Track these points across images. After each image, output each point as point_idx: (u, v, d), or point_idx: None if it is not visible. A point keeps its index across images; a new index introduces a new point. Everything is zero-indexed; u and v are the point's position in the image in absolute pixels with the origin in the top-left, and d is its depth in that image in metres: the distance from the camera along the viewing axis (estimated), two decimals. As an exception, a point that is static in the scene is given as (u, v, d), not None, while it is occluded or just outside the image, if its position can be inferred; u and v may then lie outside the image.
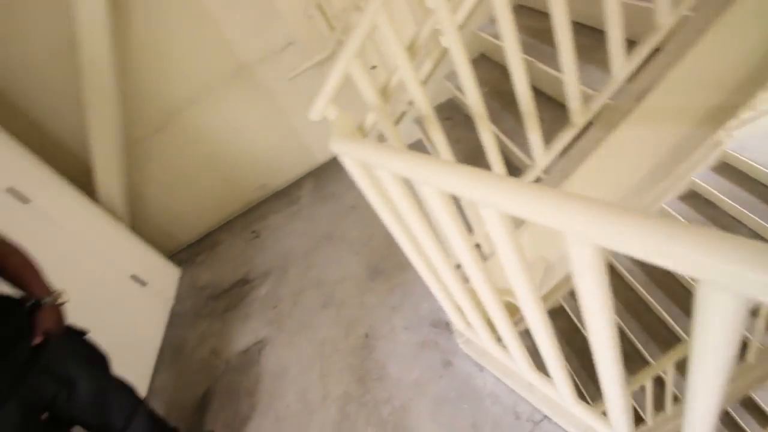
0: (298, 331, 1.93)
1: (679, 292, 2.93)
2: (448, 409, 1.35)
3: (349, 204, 2.49)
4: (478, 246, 1.44)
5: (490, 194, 0.52)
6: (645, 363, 2.75)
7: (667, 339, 2.83)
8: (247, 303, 2.28)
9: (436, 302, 1.65)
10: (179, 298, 2.67)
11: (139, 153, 2.72)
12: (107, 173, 2.61)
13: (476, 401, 1.32)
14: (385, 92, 1.12)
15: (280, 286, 2.25)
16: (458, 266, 1.15)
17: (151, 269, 2.66)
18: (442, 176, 0.58)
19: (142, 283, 2.51)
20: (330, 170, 2.95)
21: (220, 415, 1.79)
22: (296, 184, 3.03)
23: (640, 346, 2.82)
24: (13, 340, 1.13)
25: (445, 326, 1.57)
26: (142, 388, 2.04)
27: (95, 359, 1.38)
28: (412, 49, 1.04)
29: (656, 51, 1.18)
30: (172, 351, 2.30)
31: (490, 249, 1.41)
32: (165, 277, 2.76)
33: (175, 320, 2.51)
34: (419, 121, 2.41)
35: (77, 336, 1.35)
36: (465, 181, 0.55)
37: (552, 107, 1.65)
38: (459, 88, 2.15)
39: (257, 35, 2.45)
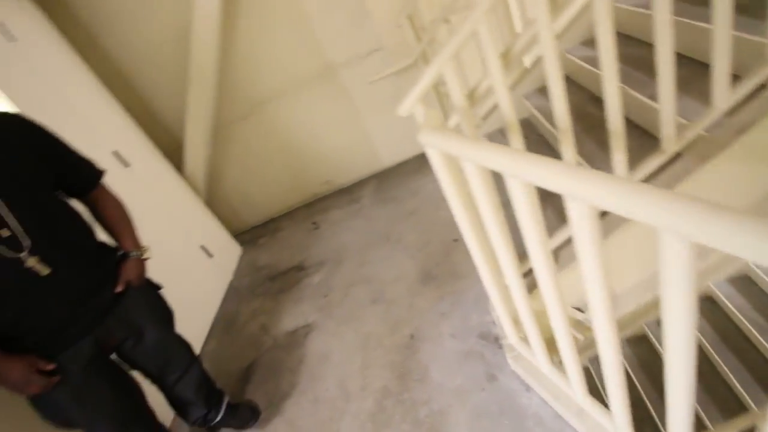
0: (345, 322, 1.99)
1: (754, 358, 2.65)
2: (487, 422, 1.33)
3: (409, 209, 2.54)
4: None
5: (582, 186, 0.54)
6: (702, 427, 2.50)
7: (731, 406, 2.56)
8: (300, 288, 2.38)
9: (487, 315, 1.64)
10: (238, 274, 2.84)
11: (224, 136, 2.96)
12: (195, 151, 2.87)
13: (518, 420, 1.29)
14: (472, 96, 1.16)
15: (333, 277, 2.33)
16: (526, 274, 1.15)
17: (218, 243, 2.86)
18: (534, 168, 0.61)
19: (209, 255, 2.71)
20: (394, 175, 3.02)
21: (262, 388, 1.88)
22: (360, 184, 3.14)
23: (698, 408, 2.57)
24: (101, 283, 1.24)
25: (494, 340, 1.55)
26: (194, 349, 2.19)
27: (164, 314, 1.48)
28: (506, 57, 1.08)
29: (762, 87, 1.12)
30: (225, 321, 2.45)
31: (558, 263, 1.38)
32: (228, 252, 2.95)
33: (232, 294, 2.67)
34: (490, 137, 2.42)
35: (153, 290, 1.45)
36: (557, 173, 0.57)
37: (637, 135, 1.60)
38: (537, 108, 2.14)
39: (347, 39, 2.60)
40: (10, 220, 1.05)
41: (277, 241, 2.99)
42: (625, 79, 1.66)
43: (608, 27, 0.96)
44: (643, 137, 1.61)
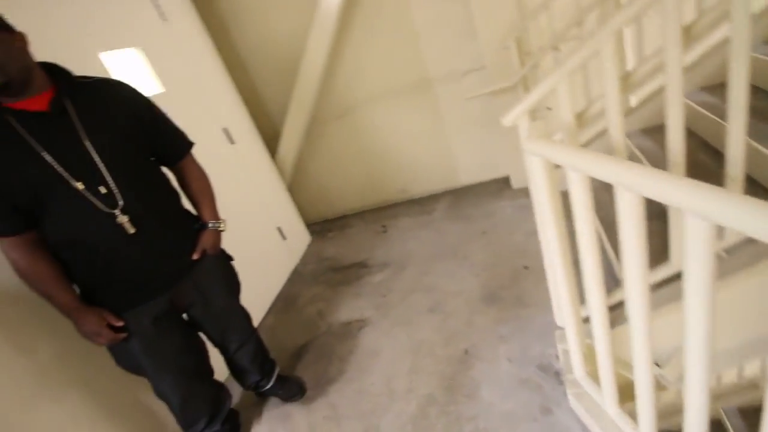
0: (400, 324, 2.01)
1: None
2: (534, 454, 1.27)
3: (480, 229, 2.52)
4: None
5: (706, 201, 0.52)
6: None
7: None
8: (360, 284, 2.45)
9: (551, 348, 1.58)
10: (304, 260, 2.99)
11: (316, 132, 3.16)
12: (289, 141, 3.10)
13: (569, 460, 1.21)
14: (580, 117, 1.15)
15: (394, 280, 2.36)
16: (611, 308, 1.10)
17: (292, 228, 3.04)
18: (654, 179, 0.60)
19: (283, 237, 2.89)
20: (470, 194, 3.02)
21: (311, 368, 1.95)
22: (434, 198, 3.17)
23: None
24: (180, 248, 1.34)
25: (554, 375, 1.48)
26: (254, 321, 2.32)
27: (232, 284, 1.57)
28: (625, 81, 1.06)
29: None
30: (285, 301, 2.59)
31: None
32: (299, 238, 3.12)
33: (295, 277, 2.81)
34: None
35: (226, 261, 1.54)
36: (679, 185, 0.56)
37: (752, 190, 1.47)
38: (639, 147, 2.04)
39: (449, 55, 2.68)
40: (109, 179, 1.14)
41: (345, 237, 3.11)
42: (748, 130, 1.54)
43: (744, 70, 0.91)
44: (759, 192, 1.47)
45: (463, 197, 3.01)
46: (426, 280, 2.26)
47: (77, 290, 1.24)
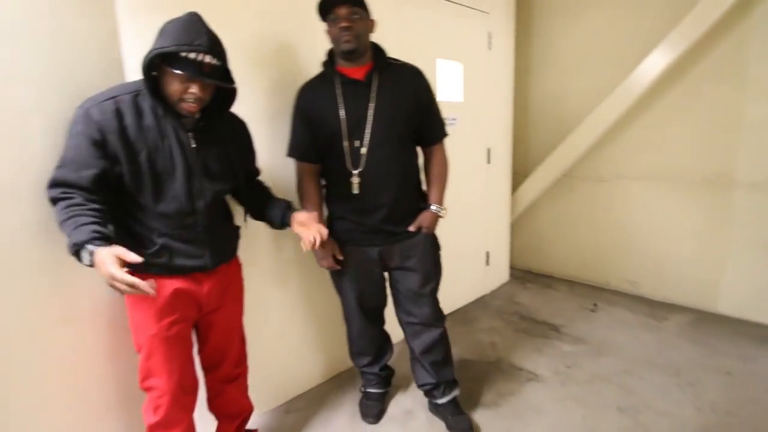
0: (575, 400, 1.78)
1: None
2: None
3: (725, 368, 1.97)
4: None
5: None
6: None
7: None
8: (545, 343, 2.28)
9: None
10: (494, 294, 2.98)
11: (564, 184, 3.08)
12: (534, 184, 3.14)
13: None
14: None
15: (586, 358, 2.11)
16: None
17: (498, 259, 3.08)
18: None
19: (487, 262, 2.96)
20: (723, 325, 2.39)
21: (464, 383, 1.90)
22: (670, 307, 2.65)
23: None
24: (400, 218, 1.51)
25: None
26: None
27: (432, 269, 1.62)
28: None
29: None
30: (464, 317, 2.65)
31: None
32: (499, 272, 3.13)
33: (481, 304, 2.84)
34: None
35: (434, 244, 1.63)
36: None
37: None
38: None
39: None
40: (366, 143, 1.37)
41: (544, 296, 2.93)
42: None
43: None
44: None
45: (712, 324, 2.42)
46: (626, 379, 1.92)
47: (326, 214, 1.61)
